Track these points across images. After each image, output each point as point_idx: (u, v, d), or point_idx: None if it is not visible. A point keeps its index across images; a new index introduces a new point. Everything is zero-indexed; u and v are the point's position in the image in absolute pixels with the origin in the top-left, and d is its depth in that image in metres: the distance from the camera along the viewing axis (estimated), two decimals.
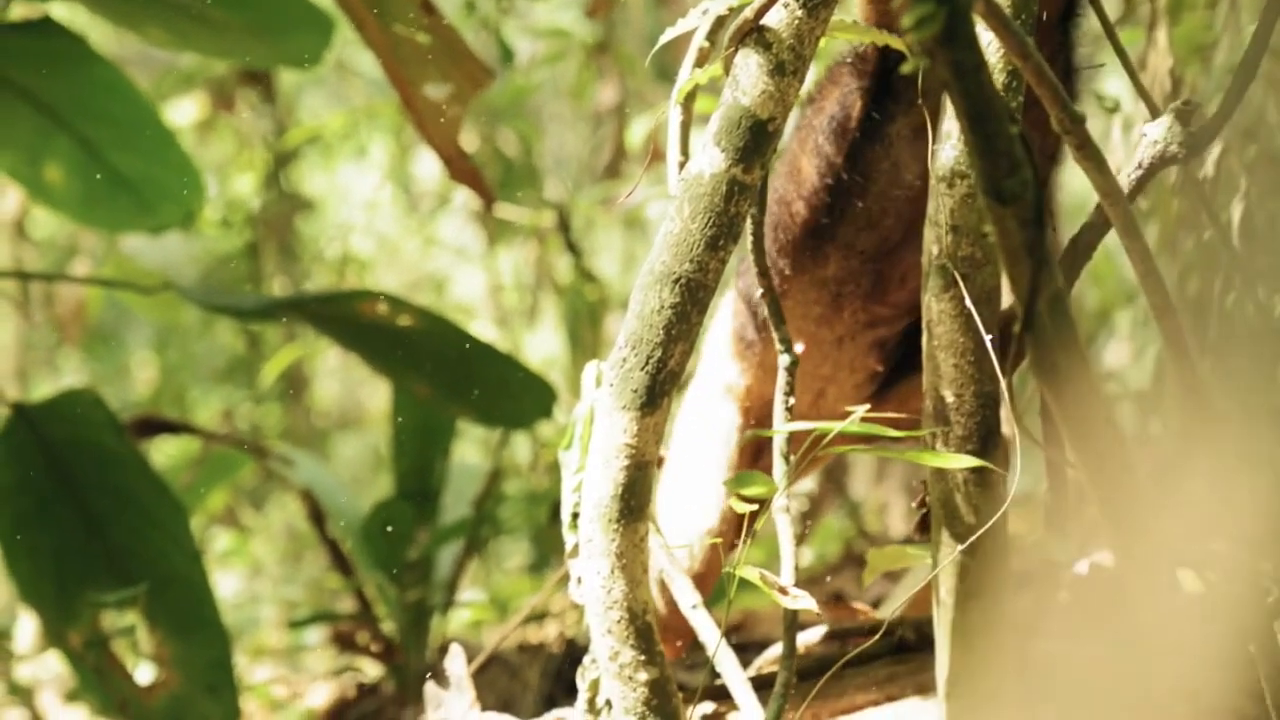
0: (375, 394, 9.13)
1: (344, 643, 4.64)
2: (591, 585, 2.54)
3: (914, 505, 2.79)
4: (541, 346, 6.47)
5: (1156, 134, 2.37)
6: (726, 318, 3.12)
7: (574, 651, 3.73)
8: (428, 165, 7.22)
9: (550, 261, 6.25)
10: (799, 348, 2.52)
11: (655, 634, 2.55)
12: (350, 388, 9.24)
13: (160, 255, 7.16)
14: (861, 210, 2.82)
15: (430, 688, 3.06)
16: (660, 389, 2.46)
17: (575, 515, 3.00)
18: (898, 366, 3.02)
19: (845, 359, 3.02)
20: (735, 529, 2.89)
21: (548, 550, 5.28)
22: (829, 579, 4.50)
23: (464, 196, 6.57)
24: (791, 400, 2.61)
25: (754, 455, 3.09)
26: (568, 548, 3.03)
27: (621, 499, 2.49)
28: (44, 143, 4.17)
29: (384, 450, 7.54)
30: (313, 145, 7.31)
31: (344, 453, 8.49)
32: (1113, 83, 4.03)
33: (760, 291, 2.60)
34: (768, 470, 2.54)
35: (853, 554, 4.99)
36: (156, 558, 4.07)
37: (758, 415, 3.08)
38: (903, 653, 2.94)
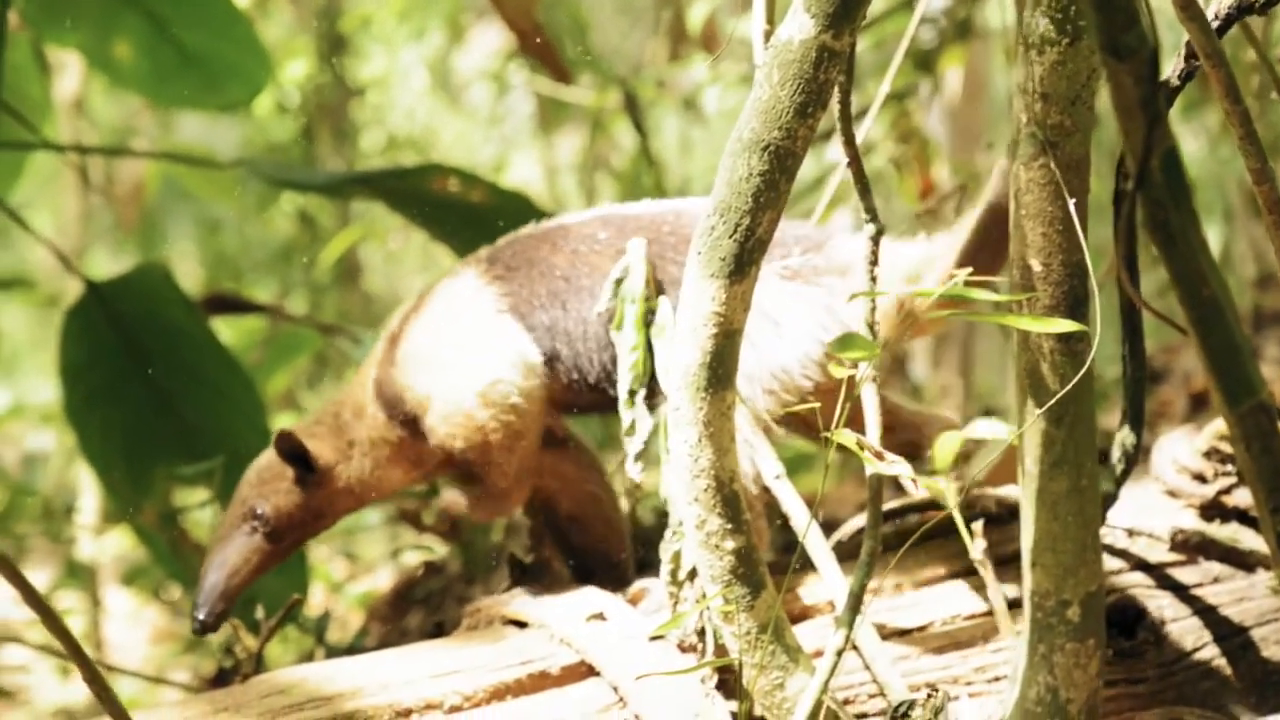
0: (418, 285, 9.12)
1: (410, 521, 4.65)
2: (678, 454, 2.54)
3: None
4: None
5: None
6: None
7: (636, 530, 3.74)
8: (478, 52, 7.18)
9: (608, 144, 6.22)
10: None
11: (742, 502, 2.55)
12: (393, 281, 9.25)
13: (212, 140, 7.16)
14: None
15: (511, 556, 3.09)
16: (748, 257, 2.46)
17: (632, 393, 3.01)
18: None
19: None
20: None
21: (614, 427, 5.27)
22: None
23: (521, 80, 6.53)
24: (878, 270, 2.61)
25: None
26: (624, 425, 3.05)
27: (710, 367, 2.49)
28: (113, 19, 4.15)
29: None
30: (366, 30, 7.26)
31: None
32: None
33: None
34: None
35: None
36: (228, 434, 4.09)
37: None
38: (984, 524, 2.94)
